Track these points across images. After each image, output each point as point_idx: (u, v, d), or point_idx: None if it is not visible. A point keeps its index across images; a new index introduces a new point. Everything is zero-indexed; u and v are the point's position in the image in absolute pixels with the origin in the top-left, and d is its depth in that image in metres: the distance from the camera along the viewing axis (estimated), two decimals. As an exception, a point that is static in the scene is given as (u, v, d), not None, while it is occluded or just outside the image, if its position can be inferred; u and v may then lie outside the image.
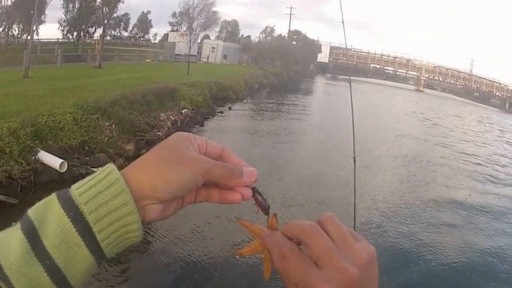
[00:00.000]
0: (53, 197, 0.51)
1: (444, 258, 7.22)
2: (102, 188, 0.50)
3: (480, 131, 29.10)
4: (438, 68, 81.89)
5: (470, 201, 10.82)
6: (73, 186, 0.52)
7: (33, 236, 0.48)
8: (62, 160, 8.29)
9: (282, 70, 53.74)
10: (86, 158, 9.38)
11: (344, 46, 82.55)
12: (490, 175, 14.28)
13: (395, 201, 10.05)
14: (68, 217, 0.48)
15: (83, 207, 0.49)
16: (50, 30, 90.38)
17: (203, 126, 16.19)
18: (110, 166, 0.53)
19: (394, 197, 10.37)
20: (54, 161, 8.24)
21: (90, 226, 0.49)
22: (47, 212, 0.49)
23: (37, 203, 0.51)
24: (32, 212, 0.50)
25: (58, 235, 0.48)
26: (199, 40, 42.45)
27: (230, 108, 21.35)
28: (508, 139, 27.40)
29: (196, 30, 32.12)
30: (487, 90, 77.86)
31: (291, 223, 0.53)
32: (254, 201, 0.60)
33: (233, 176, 0.57)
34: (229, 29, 78.46)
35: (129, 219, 0.51)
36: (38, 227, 0.48)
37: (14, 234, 0.49)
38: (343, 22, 5.38)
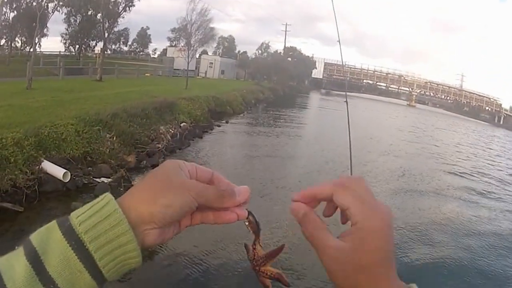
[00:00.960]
0: (54, 224, 0.54)
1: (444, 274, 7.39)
2: (101, 218, 0.54)
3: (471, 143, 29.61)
4: (429, 83, 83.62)
5: (467, 216, 11.01)
6: (73, 214, 0.55)
7: (36, 263, 0.51)
8: (65, 170, 8.52)
9: (278, 86, 54.28)
10: (89, 168, 9.60)
11: (338, 62, 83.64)
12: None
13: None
14: (70, 246, 0.52)
15: (83, 236, 0.53)
16: (52, 43, 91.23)
17: (201, 138, 16.49)
18: (108, 196, 0.56)
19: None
20: (57, 171, 8.46)
21: (91, 254, 0.53)
22: (49, 239, 0.53)
23: (38, 229, 0.55)
24: (34, 239, 0.54)
25: (61, 262, 0.52)
26: (197, 56, 42.89)
27: (227, 122, 21.74)
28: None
29: (194, 46, 32.52)
30: (476, 104, 79.50)
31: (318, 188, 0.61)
32: (248, 223, 0.63)
33: (225, 198, 0.60)
34: (226, 45, 79.11)
35: (129, 247, 0.54)
36: (41, 254, 0.52)
37: (18, 259, 0.52)
38: (339, 41, 5.70)
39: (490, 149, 30.49)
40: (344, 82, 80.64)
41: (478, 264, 7.94)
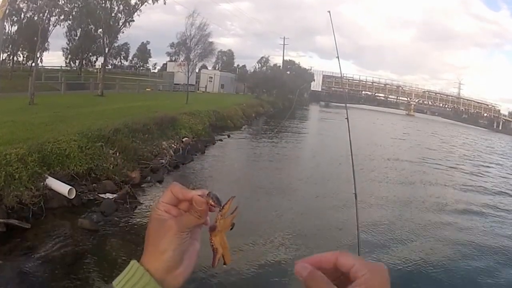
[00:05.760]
0: None
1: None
2: (135, 281, 0.70)
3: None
4: (427, 92, 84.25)
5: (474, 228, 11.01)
6: (114, 283, 0.71)
7: None
8: (70, 187, 8.49)
9: (277, 99, 54.42)
10: (93, 184, 9.57)
11: (336, 74, 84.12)
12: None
13: (396, 223, 10.29)
14: None
15: None
16: (53, 58, 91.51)
17: (204, 153, 16.47)
18: (136, 264, 0.73)
19: (395, 219, 10.62)
20: (62, 188, 8.43)
21: None
22: None
23: None
24: None
25: None
26: (196, 70, 43.07)
27: (229, 136, 21.77)
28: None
29: (193, 60, 32.66)
30: (475, 111, 79.82)
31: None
32: (210, 201, 0.72)
33: (201, 216, 0.73)
34: (225, 59, 79.44)
35: None
36: None
37: None
38: (338, 57, 5.75)
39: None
40: (343, 94, 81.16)
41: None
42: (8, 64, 39.33)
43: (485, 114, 79.32)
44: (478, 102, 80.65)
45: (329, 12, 5.83)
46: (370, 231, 9.34)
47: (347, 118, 4.95)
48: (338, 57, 5.61)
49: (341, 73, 6.64)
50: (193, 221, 0.72)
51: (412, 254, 8.40)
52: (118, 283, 0.70)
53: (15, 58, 41.93)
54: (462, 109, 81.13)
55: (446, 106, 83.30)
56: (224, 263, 0.73)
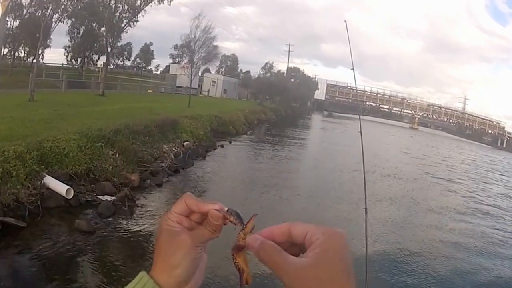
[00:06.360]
0: None
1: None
2: None
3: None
4: (431, 106, 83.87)
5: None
6: None
7: None
8: (68, 187, 8.30)
9: (280, 107, 54.35)
10: (92, 185, 9.37)
11: (341, 84, 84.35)
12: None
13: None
14: None
15: None
16: (55, 55, 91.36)
17: (205, 158, 16.27)
18: (145, 277, 0.68)
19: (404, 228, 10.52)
20: (60, 187, 8.24)
21: None
22: None
23: None
24: None
25: None
26: (199, 73, 42.97)
27: (230, 142, 21.61)
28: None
29: (197, 63, 32.51)
30: (479, 127, 79.52)
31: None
32: (229, 218, 0.67)
33: (216, 230, 0.68)
34: (228, 64, 79.60)
35: None
36: None
37: None
38: (353, 68, 5.56)
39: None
40: (347, 104, 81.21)
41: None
42: (9, 60, 39.14)
43: (490, 131, 78.99)
44: (483, 118, 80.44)
45: (345, 22, 5.65)
46: (378, 243, 9.22)
47: (360, 132, 4.72)
48: (353, 69, 5.39)
49: (355, 84, 6.50)
50: (207, 235, 0.68)
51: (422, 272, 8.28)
52: None
53: (16, 54, 41.78)
54: (466, 125, 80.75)
55: (451, 121, 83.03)
56: (246, 283, 0.66)
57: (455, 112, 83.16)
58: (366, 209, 4.70)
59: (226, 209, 0.68)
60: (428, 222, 12.51)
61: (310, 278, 0.54)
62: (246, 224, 0.65)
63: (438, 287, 7.82)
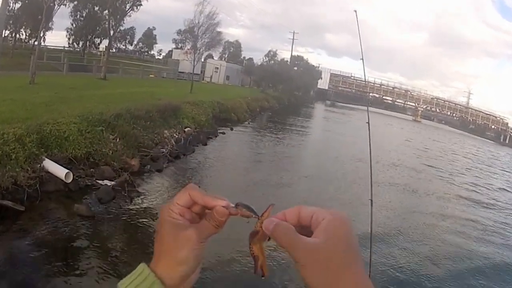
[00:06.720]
0: None
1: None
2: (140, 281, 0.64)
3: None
4: (435, 99, 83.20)
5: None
6: (119, 284, 0.64)
7: None
8: (67, 171, 8.20)
9: (283, 95, 54.08)
10: (91, 169, 9.28)
11: (344, 73, 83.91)
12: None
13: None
14: None
15: None
16: (56, 37, 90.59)
17: (206, 145, 16.16)
18: (146, 270, 0.65)
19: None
20: (59, 171, 8.15)
21: None
22: None
23: None
24: None
25: None
26: (202, 59, 42.68)
27: (232, 129, 21.49)
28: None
29: (200, 49, 32.24)
30: (482, 122, 78.90)
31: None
32: (239, 212, 0.67)
33: (220, 225, 0.68)
34: (232, 50, 79.09)
35: None
36: None
37: None
38: (362, 58, 5.44)
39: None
40: (350, 94, 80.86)
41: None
42: (10, 42, 38.85)
43: (493, 126, 78.33)
44: (486, 114, 79.67)
45: (355, 11, 5.53)
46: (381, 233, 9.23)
47: (368, 123, 4.63)
48: (362, 59, 5.29)
49: (364, 75, 6.35)
50: (212, 230, 0.67)
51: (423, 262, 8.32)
52: (126, 287, 0.64)
53: (17, 36, 41.47)
54: (469, 120, 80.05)
55: (454, 115, 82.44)
56: (263, 275, 0.66)
57: (459, 106, 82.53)
58: (371, 200, 4.65)
59: (233, 205, 0.68)
60: (431, 210, 12.65)
61: (322, 256, 0.58)
62: (262, 214, 0.66)
63: (438, 272, 7.90)
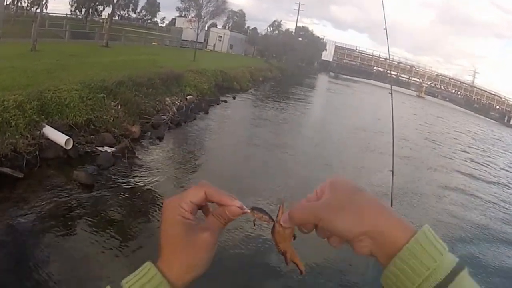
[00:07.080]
0: None
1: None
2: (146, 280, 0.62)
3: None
4: (440, 76, 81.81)
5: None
6: (124, 282, 0.62)
7: None
8: (67, 137, 8.20)
9: (287, 65, 53.56)
10: (92, 136, 9.27)
11: (349, 46, 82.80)
12: None
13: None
14: None
15: None
16: (59, 5, 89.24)
17: (207, 113, 16.11)
18: (153, 269, 0.62)
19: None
20: (59, 138, 8.15)
21: None
22: None
23: None
24: None
25: None
26: (206, 28, 42.16)
27: (234, 98, 21.40)
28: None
29: (204, 18, 31.84)
30: (487, 102, 77.63)
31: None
32: (256, 217, 0.68)
33: (227, 223, 0.68)
34: (235, 19, 77.85)
35: None
36: None
37: None
38: (385, 28, 5.32)
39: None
40: (354, 67, 79.98)
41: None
42: (12, 9, 38.33)
43: (498, 107, 76.90)
44: (492, 93, 78.20)
45: None
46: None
47: (391, 93, 4.61)
48: (386, 28, 5.19)
49: (388, 51, 6.18)
50: (221, 227, 0.68)
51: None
52: (130, 286, 0.61)
53: (19, 3, 40.90)
54: (474, 98, 78.51)
55: (459, 93, 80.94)
56: (301, 273, 0.69)
57: (464, 84, 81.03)
58: (392, 171, 4.66)
59: (248, 209, 0.68)
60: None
61: (335, 202, 0.62)
62: (277, 215, 0.68)
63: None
